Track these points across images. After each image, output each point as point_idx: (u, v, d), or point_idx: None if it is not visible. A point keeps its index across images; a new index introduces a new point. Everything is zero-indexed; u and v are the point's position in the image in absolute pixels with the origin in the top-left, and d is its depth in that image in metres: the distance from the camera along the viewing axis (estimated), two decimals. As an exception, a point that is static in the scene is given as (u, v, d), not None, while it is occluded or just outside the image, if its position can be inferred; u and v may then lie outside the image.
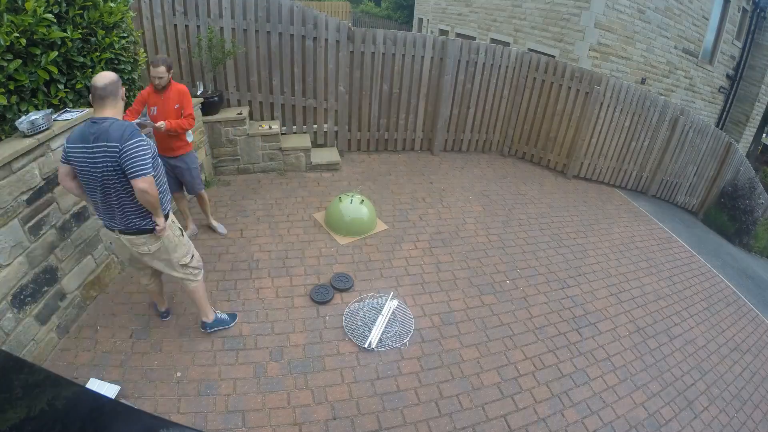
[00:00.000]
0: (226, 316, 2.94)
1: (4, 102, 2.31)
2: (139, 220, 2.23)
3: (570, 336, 3.41)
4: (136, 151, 2.04)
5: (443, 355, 2.96)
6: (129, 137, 2.04)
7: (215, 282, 3.28)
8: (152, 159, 2.15)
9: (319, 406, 2.47)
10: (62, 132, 2.53)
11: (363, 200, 4.18)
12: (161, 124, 3.02)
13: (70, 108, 2.77)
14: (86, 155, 2.05)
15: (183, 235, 2.50)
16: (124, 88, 2.21)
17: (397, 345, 2.96)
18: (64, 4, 2.67)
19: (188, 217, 3.81)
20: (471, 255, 4.11)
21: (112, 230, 2.29)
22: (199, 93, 4.48)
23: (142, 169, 2.05)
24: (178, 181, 3.50)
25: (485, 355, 3.04)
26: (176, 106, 3.19)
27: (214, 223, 3.92)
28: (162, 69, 3.05)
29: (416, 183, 5.32)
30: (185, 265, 2.51)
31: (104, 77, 2.09)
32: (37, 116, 2.37)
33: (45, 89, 2.68)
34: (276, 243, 3.82)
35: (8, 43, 2.28)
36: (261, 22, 4.70)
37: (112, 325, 2.81)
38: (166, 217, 2.33)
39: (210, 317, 2.82)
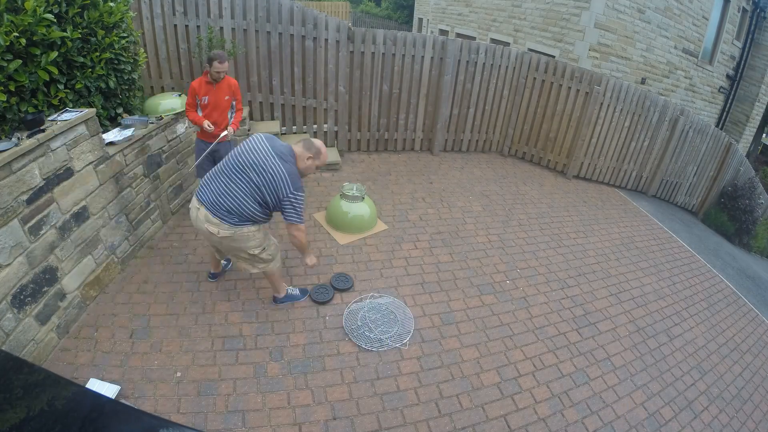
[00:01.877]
0: (298, 291, 3.18)
1: (3, 98, 2.31)
2: (238, 220, 2.47)
3: (570, 336, 3.41)
4: (298, 202, 2.46)
5: (443, 355, 2.96)
6: (298, 187, 2.44)
7: (215, 282, 3.28)
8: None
9: (319, 406, 2.47)
10: (62, 132, 2.52)
11: (364, 197, 4.17)
12: (230, 131, 3.50)
13: (69, 108, 2.77)
14: (257, 156, 2.40)
15: (259, 230, 2.63)
16: (314, 163, 2.63)
17: (397, 345, 2.96)
18: (63, 4, 2.67)
19: None
20: (471, 255, 4.11)
21: (201, 201, 2.49)
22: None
23: (298, 218, 2.52)
24: (215, 163, 3.68)
25: (485, 355, 3.04)
26: (226, 97, 3.45)
27: None
28: (227, 65, 3.31)
29: (416, 183, 5.32)
30: (254, 255, 2.65)
31: (316, 141, 2.60)
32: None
33: (45, 89, 2.68)
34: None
35: (8, 43, 2.28)
36: (261, 22, 4.70)
37: (112, 325, 2.81)
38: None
39: (282, 293, 3.06)
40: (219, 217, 2.44)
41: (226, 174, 2.45)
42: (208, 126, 3.38)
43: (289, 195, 2.41)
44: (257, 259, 2.71)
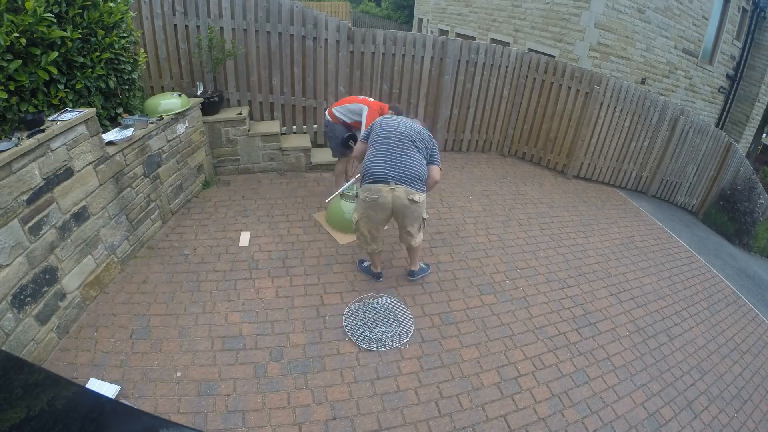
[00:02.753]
0: (425, 265, 3.67)
1: (5, 96, 2.31)
2: (421, 183, 3.00)
3: (570, 336, 3.41)
4: (435, 145, 3.15)
5: (443, 355, 2.96)
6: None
7: (215, 282, 3.29)
8: None
9: (319, 406, 2.47)
10: (62, 132, 2.53)
11: None
12: None
13: (69, 108, 2.77)
14: (406, 127, 3.02)
15: None
16: None
17: (397, 345, 2.96)
18: (64, 4, 2.67)
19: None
20: (471, 255, 4.11)
21: (391, 183, 2.89)
22: (199, 93, 4.49)
23: (439, 161, 3.15)
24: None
25: (485, 355, 3.04)
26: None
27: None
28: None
29: (416, 183, 5.31)
30: (425, 219, 3.17)
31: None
32: None
33: (45, 89, 2.68)
34: (276, 243, 3.82)
35: (8, 43, 2.28)
36: (261, 22, 4.70)
37: (112, 325, 2.81)
38: None
39: (416, 267, 3.52)
40: (416, 188, 2.91)
41: (399, 151, 2.94)
42: None
43: (435, 144, 3.12)
44: (423, 225, 3.22)
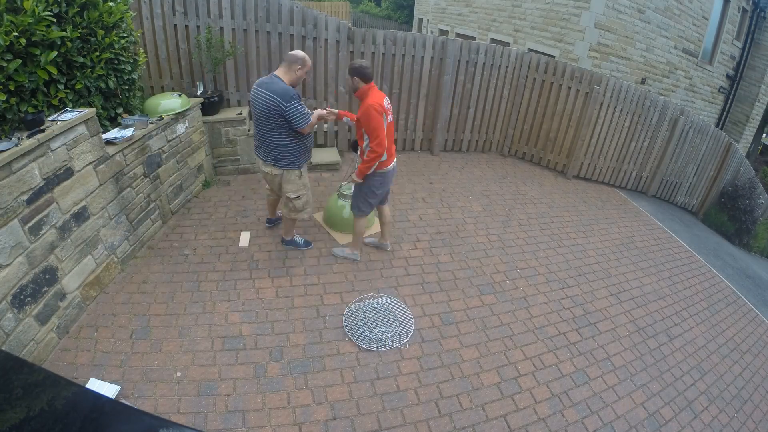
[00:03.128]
0: (302, 241, 3.75)
1: (3, 97, 2.31)
2: (281, 158, 3.09)
3: (570, 336, 3.41)
4: (296, 109, 2.86)
5: (443, 355, 2.96)
6: (289, 98, 2.82)
7: (215, 282, 3.29)
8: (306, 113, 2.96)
9: (319, 406, 2.47)
10: (62, 132, 2.52)
11: None
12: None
13: (69, 108, 2.77)
14: (254, 95, 2.93)
15: (300, 178, 3.22)
16: (303, 71, 2.95)
17: (397, 345, 2.96)
18: (63, 4, 2.67)
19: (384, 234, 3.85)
20: (471, 255, 4.11)
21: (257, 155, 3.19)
22: (199, 93, 4.48)
23: (304, 122, 2.93)
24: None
25: (485, 355, 3.04)
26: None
27: (385, 242, 3.89)
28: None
29: (416, 183, 5.31)
30: (289, 198, 3.27)
31: (298, 52, 2.94)
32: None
33: (45, 89, 2.68)
34: (276, 243, 3.82)
35: (8, 43, 2.28)
36: (261, 22, 4.70)
37: (112, 325, 2.81)
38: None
39: (289, 237, 3.68)
40: (268, 161, 3.11)
41: (255, 128, 3.07)
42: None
43: (286, 108, 2.83)
44: (290, 203, 3.31)
